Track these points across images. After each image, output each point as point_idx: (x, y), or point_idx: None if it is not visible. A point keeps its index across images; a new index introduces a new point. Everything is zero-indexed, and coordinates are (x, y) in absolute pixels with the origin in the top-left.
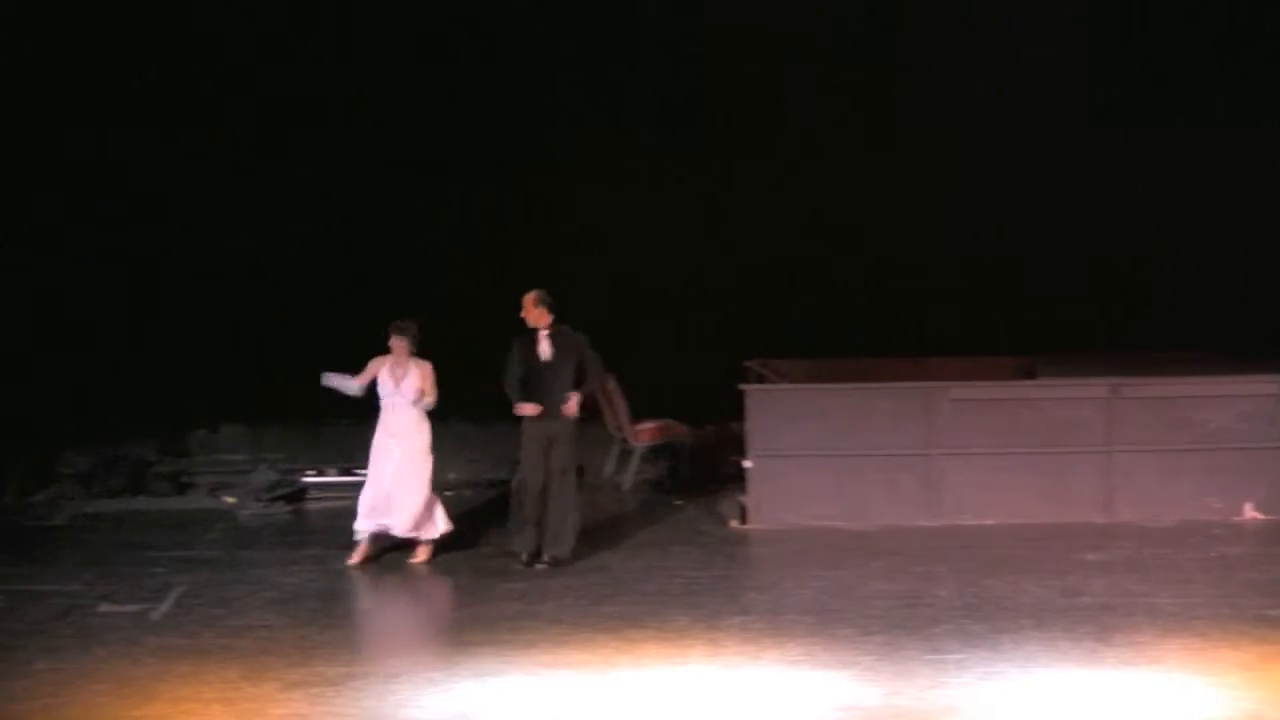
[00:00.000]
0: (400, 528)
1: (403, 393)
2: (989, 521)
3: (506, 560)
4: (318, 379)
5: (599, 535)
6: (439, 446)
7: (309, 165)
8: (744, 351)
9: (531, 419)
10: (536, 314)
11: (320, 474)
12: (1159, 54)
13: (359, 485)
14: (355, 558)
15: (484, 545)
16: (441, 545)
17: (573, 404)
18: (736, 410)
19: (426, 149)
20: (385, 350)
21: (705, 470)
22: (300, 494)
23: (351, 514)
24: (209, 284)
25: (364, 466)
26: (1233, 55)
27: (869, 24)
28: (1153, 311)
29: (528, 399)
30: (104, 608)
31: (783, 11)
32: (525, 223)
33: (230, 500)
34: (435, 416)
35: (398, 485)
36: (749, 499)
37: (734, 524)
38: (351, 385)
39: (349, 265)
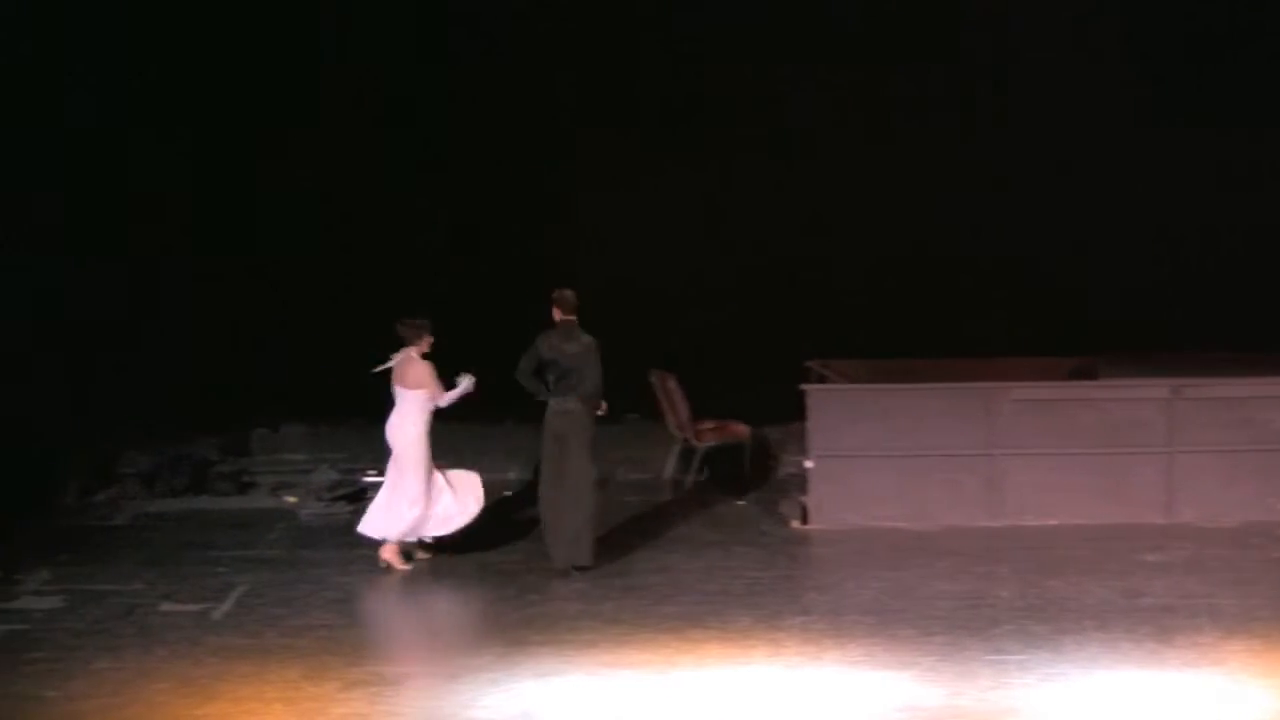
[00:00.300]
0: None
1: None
2: (1050, 522)
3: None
4: (377, 379)
5: (660, 536)
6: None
7: (363, 166)
8: (805, 351)
9: (548, 415)
10: (554, 311)
11: (380, 474)
12: (1218, 55)
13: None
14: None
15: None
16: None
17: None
18: (798, 410)
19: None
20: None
21: (767, 470)
22: (361, 494)
23: None
24: (270, 283)
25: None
26: None
27: (915, 18)
28: (1214, 312)
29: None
30: (165, 607)
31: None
32: (590, 221)
33: (291, 500)
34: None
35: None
36: (810, 499)
37: (795, 524)
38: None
39: (414, 266)
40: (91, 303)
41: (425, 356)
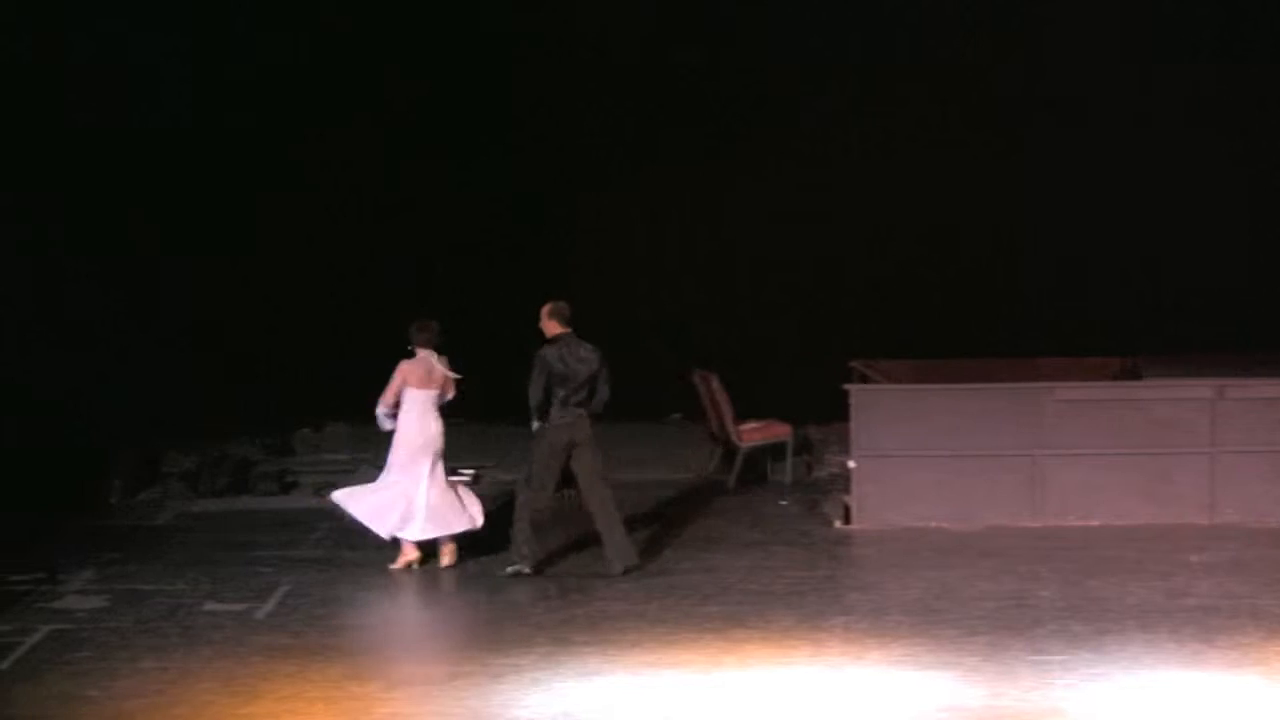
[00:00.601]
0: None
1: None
2: (1093, 523)
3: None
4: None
5: (703, 536)
6: None
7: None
8: (848, 351)
9: (555, 425)
10: (549, 325)
11: (454, 472)
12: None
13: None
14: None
15: (592, 543)
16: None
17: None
18: (841, 410)
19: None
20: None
21: (809, 470)
22: None
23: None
24: (311, 282)
25: (465, 466)
26: None
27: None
28: (1258, 313)
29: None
30: (209, 606)
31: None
32: (627, 223)
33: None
34: None
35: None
36: (853, 499)
37: (838, 524)
38: None
39: (454, 267)
40: (134, 302)
41: (409, 356)
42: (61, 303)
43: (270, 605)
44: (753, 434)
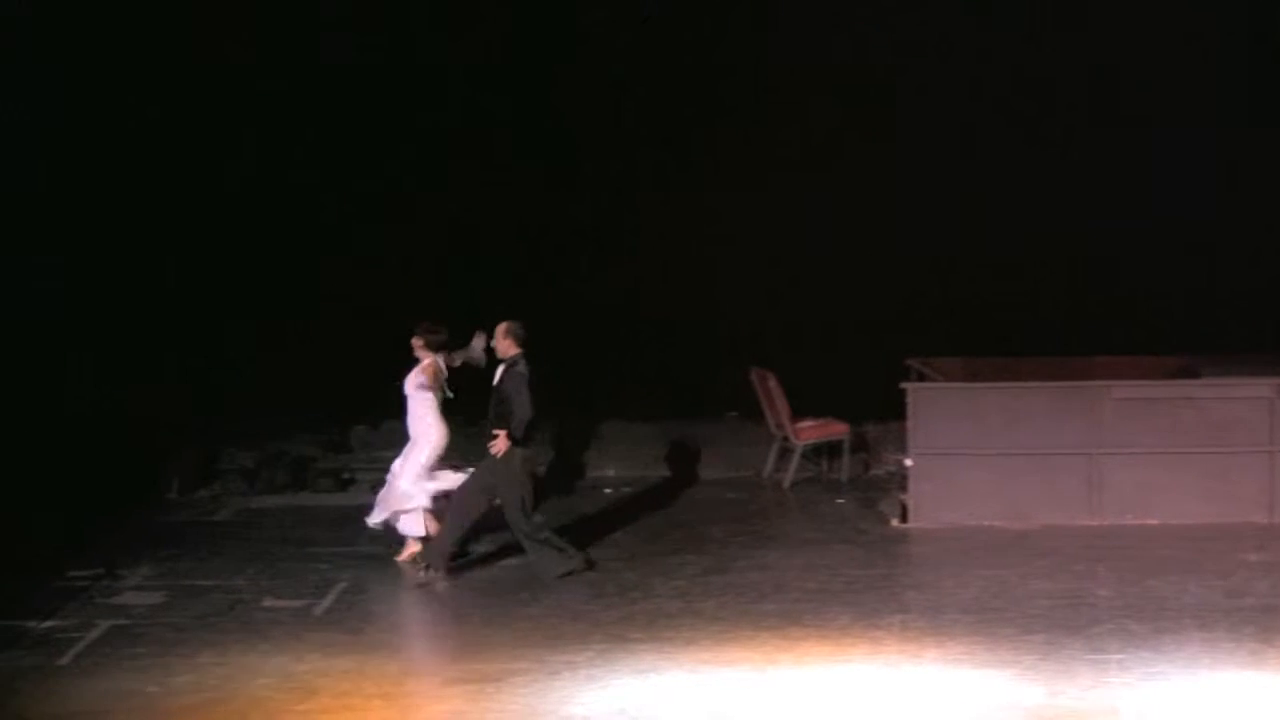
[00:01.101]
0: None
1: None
2: (1151, 521)
3: (667, 556)
4: (473, 377)
5: (759, 534)
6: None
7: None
8: (905, 349)
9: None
10: (506, 344)
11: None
12: None
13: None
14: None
15: (649, 541)
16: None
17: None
18: (898, 408)
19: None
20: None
21: (866, 468)
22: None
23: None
24: (369, 280)
25: None
26: None
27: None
28: None
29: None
30: (267, 602)
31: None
32: (686, 222)
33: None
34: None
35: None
36: (910, 497)
37: (895, 522)
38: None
39: (510, 266)
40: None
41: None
42: (124, 300)
43: (328, 601)
44: (810, 432)
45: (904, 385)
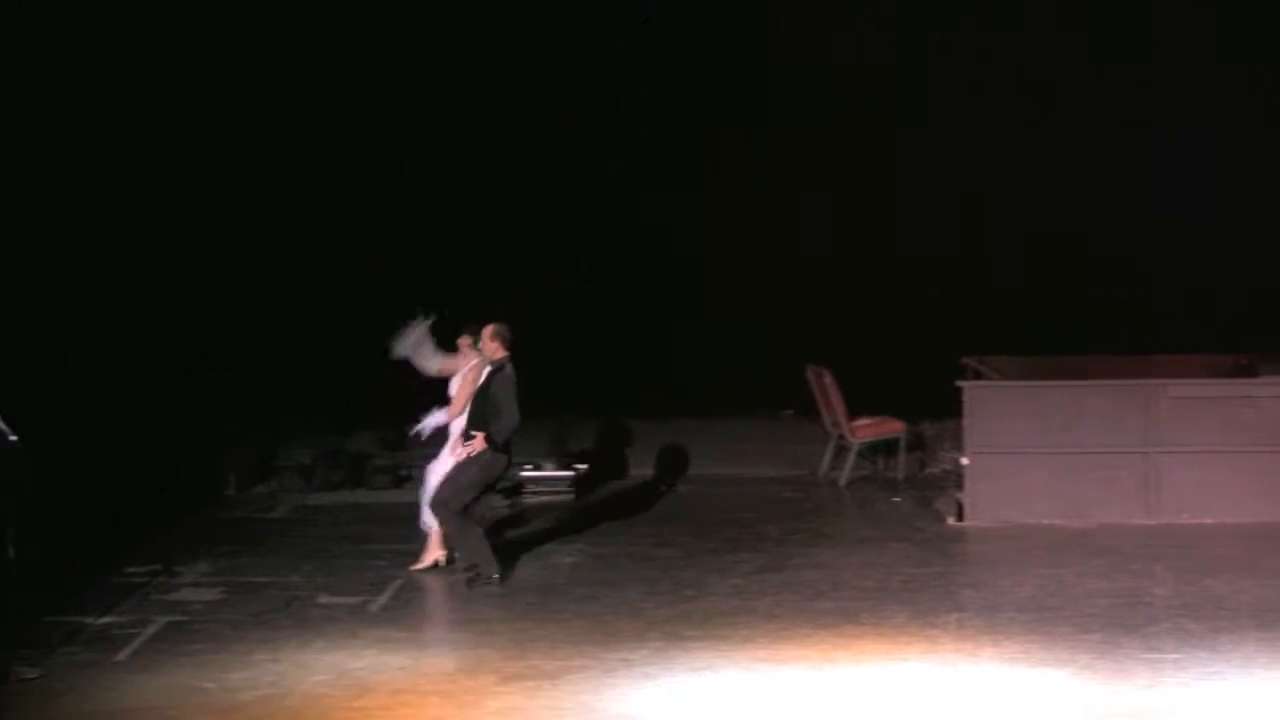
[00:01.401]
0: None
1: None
2: (1208, 520)
3: (723, 554)
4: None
5: (816, 532)
6: None
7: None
8: (962, 347)
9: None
10: (494, 347)
11: (537, 468)
12: None
13: (575, 479)
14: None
15: (705, 539)
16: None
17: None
18: (954, 406)
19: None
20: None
21: (922, 466)
22: (517, 488)
23: (565, 508)
24: (424, 277)
25: (580, 460)
26: None
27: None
28: None
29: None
30: (323, 599)
31: None
32: (745, 220)
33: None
34: None
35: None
36: (966, 495)
37: (951, 520)
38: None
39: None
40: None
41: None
42: (184, 299)
43: (384, 599)
44: (866, 430)
45: (960, 383)
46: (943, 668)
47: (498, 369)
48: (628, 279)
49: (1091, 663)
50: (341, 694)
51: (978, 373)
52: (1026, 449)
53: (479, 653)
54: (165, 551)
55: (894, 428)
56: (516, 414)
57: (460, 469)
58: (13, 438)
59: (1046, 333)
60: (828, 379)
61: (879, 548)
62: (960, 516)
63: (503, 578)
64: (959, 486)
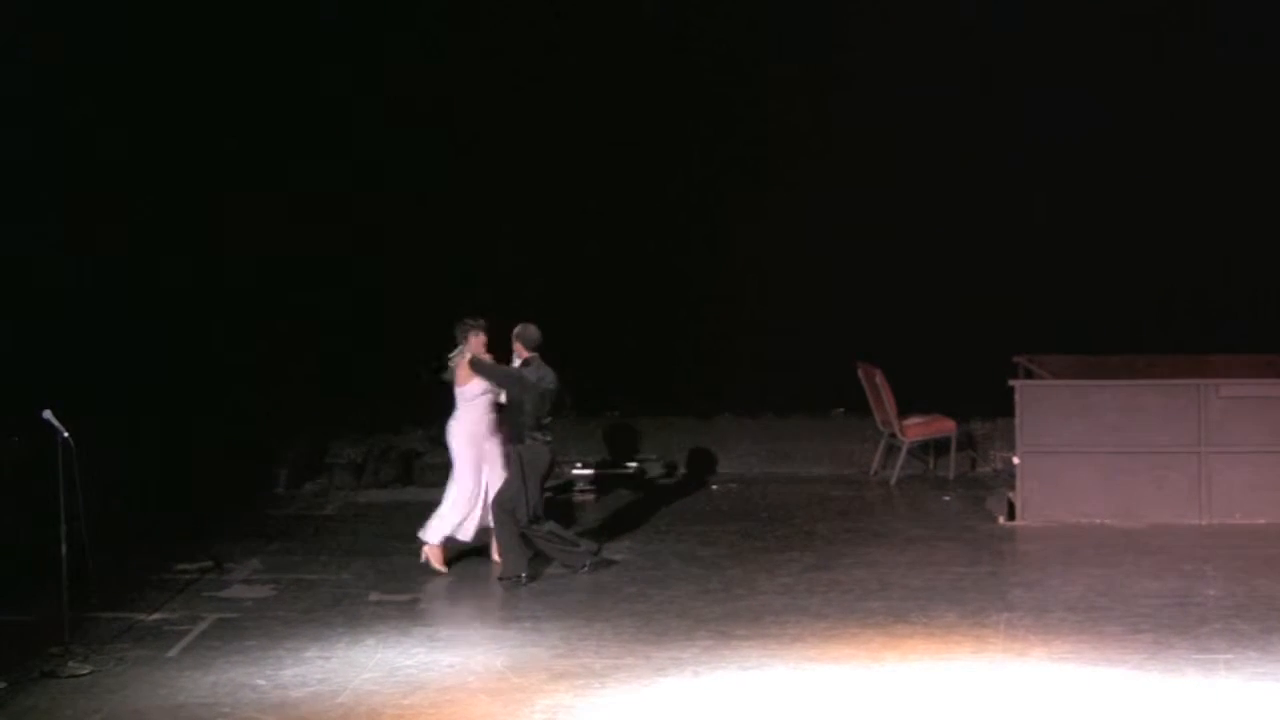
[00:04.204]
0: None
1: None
2: (1260, 521)
3: (773, 552)
4: (584, 371)
5: (866, 530)
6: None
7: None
8: (1013, 346)
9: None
10: (517, 348)
11: (586, 466)
12: None
13: (625, 478)
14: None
15: (754, 537)
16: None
17: None
18: (1006, 405)
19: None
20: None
21: (973, 465)
22: (567, 486)
23: (615, 504)
24: (469, 278)
25: (630, 459)
26: None
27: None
28: None
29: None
30: (374, 597)
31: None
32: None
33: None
34: None
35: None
36: (1017, 495)
37: (1002, 520)
38: None
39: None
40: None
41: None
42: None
43: (434, 596)
44: (917, 429)
45: (1012, 382)
46: (992, 667)
47: (523, 367)
48: (679, 276)
49: (1142, 663)
50: (391, 691)
51: (1029, 371)
52: (1078, 448)
53: (528, 651)
54: (216, 549)
55: (945, 426)
56: (532, 414)
57: (507, 477)
58: (65, 434)
59: (1100, 331)
60: (879, 377)
61: (929, 547)
62: (1011, 516)
63: (531, 577)
64: (1010, 486)
